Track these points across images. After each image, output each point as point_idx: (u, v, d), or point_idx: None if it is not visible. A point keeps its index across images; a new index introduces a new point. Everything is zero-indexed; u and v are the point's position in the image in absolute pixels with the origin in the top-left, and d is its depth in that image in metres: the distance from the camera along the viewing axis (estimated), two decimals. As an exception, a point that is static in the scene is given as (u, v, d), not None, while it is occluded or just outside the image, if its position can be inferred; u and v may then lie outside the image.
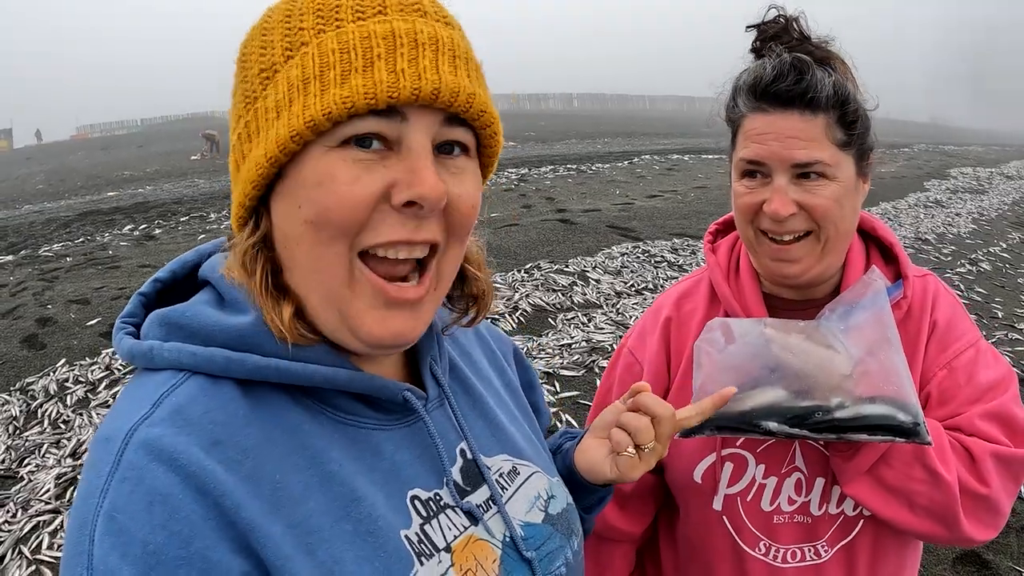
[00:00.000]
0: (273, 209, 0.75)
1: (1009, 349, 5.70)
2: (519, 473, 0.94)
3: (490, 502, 0.87)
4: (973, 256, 8.88)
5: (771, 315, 1.30)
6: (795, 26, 1.22)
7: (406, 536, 0.77)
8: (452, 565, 0.79)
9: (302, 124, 0.68)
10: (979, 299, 7.11)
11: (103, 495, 0.65)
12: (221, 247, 0.86)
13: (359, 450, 0.78)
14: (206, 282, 0.82)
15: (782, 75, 1.16)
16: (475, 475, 0.88)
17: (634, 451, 0.97)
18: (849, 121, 1.19)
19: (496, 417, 0.97)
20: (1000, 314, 6.70)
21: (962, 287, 7.37)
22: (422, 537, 0.78)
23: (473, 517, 0.84)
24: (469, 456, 0.89)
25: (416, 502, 0.81)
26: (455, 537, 0.81)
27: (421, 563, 0.76)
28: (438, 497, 0.83)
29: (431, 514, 0.81)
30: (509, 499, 0.90)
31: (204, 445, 0.68)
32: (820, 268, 1.23)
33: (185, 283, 0.86)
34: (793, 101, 1.16)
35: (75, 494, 0.69)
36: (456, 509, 0.83)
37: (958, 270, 8.11)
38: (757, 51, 1.25)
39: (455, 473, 0.86)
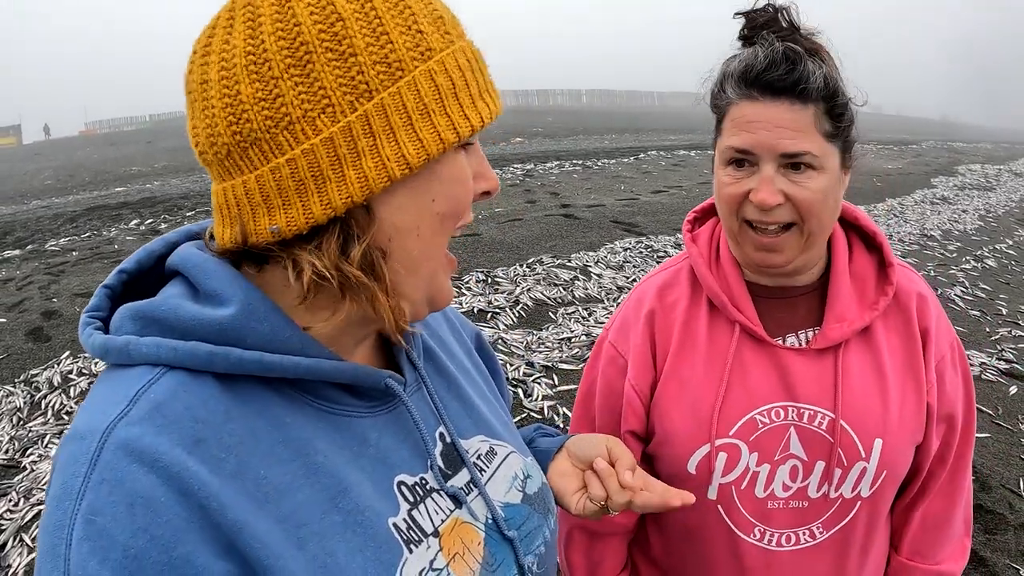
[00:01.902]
0: (383, 207, 0.74)
1: (1013, 346, 5.68)
2: (496, 454, 0.95)
3: (471, 484, 0.88)
4: (979, 253, 8.83)
5: (754, 302, 1.31)
6: (785, 15, 1.22)
7: (394, 524, 0.77)
8: (440, 550, 0.79)
9: (466, 129, 0.75)
10: (983, 296, 7.07)
11: (80, 497, 0.62)
12: (188, 235, 0.84)
13: (344, 438, 0.78)
14: (175, 273, 0.79)
15: (774, 63, 1.16)
16: (455, 458, 0.89)
17: (603, 504, 1.00)
18: (837, 113, 1.19)
19: (470, 398, 0.98)
20: (1004, 311, 6.67)
21: (967, 284, 7.34)
22: (410, 524, 0.79)
23: (457, 500, 0.85)
24: (448, 439, 0.89)
25: (403, 487, 0.81)
26: (442, 521, 0.82)
27: (410, 550, 0.77)
28: (423, 481, 0.83)
29: (418, 499, 0.81)
30: (488, 480, 0.91)
31: (186, 444, 0.66)
32: (803, 259, 1.25)
33: (150, 275, 0.83)
34: (784, 91, 1.16)
35: (47, 495, 0.67)
36: (441, 493, 0.84)
37: (963, 266, 8.06)
38: (746, 39, 1.25)
39: (437, 456, 0.87)
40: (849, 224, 1.36)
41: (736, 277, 1.32)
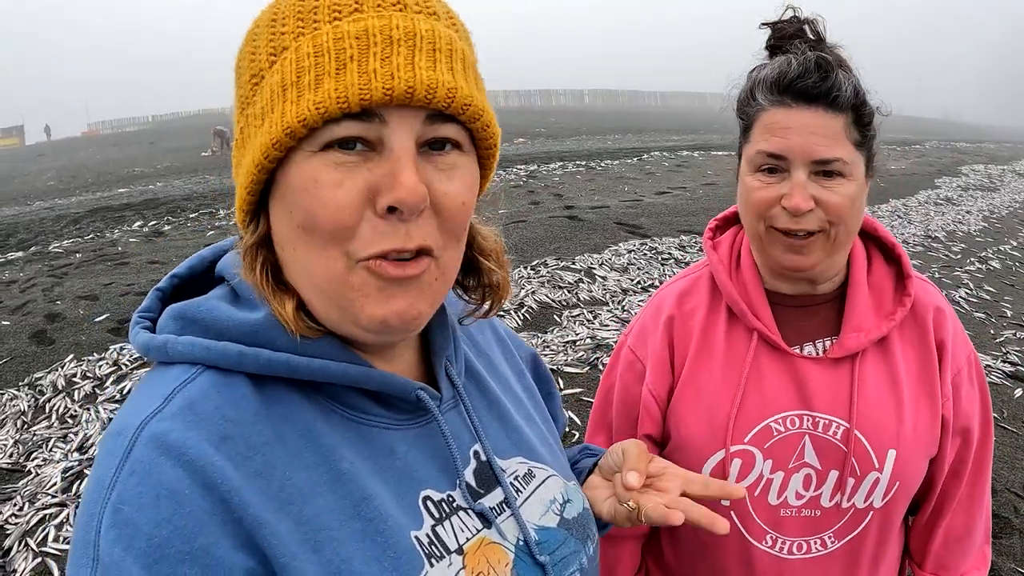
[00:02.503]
0: (271, 212, 0.75)
1: (1018, 348, 5.66)
2: (534, 476, 0.93)
3: (504, 505, 0.86)
4: (983, 254, 8.81)
5: (773, 310, 1.32)
6: (811, 27, 1.25)
7: (416, 537, 0.76)
8: (463, 567, 0.78)
9: (280, 131, 0.68)
10: (988, 298, 7.06)
11: (111, 488, 0.65)
12: (234, 244, 0.85)
13: (371, 449, 0.78)
14: (223, 278, 0.82)
15: (808, 71, 1.18)
16: (489, 477, 0.87)
17: (630, 506, 0.92)
18: (865, 123, 1.22)
19: (512, 419, 0.96)
20: (1009, 313, 6.66)
21: (971, 285, 7.32)
22: (433, 539, 0.78)
23: (486, 520, 0.83)
24: (483, 458, 0.87)
25: (428, 503, 0.80)
26: (467, 539, 0.80)
27: (431, 564, 0.76)
28: (451, 499, 0.82)
29: (443, 515, 0.80)
30: (524, 502, 0.89)
31: (214, 440, 0.68)
32: (827, 263, 1.26)
33: (202, 279, 0.86)
34: (818, 98, 1.18)
35: (84, 487, 0.70)
36: (469, 511, 0.82)
37: (967, 268, 8.05)
38: (773, 49, 1.27)
39: (468, 475, 0.85)
40: (868, 235, 1.37)
41: (755, 285, 1.33)
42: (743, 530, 1.30)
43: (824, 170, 1.19)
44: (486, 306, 0.90)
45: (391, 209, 0.68)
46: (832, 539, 1.28)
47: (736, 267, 1.37)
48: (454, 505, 0.81)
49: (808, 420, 1.27)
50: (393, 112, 0.68)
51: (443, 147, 0.72)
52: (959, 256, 8.59)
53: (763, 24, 1.28)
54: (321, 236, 0.69)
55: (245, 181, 0.73)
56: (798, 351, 1.30)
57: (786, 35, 1.25)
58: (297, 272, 0.74)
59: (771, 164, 1.22)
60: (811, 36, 1.24)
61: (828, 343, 1.31)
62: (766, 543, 1.29)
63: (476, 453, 0.87)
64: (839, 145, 1.18)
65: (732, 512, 1.30)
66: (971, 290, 7.17)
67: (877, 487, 1.25)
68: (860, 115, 1.20)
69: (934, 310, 1.32)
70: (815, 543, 1.29)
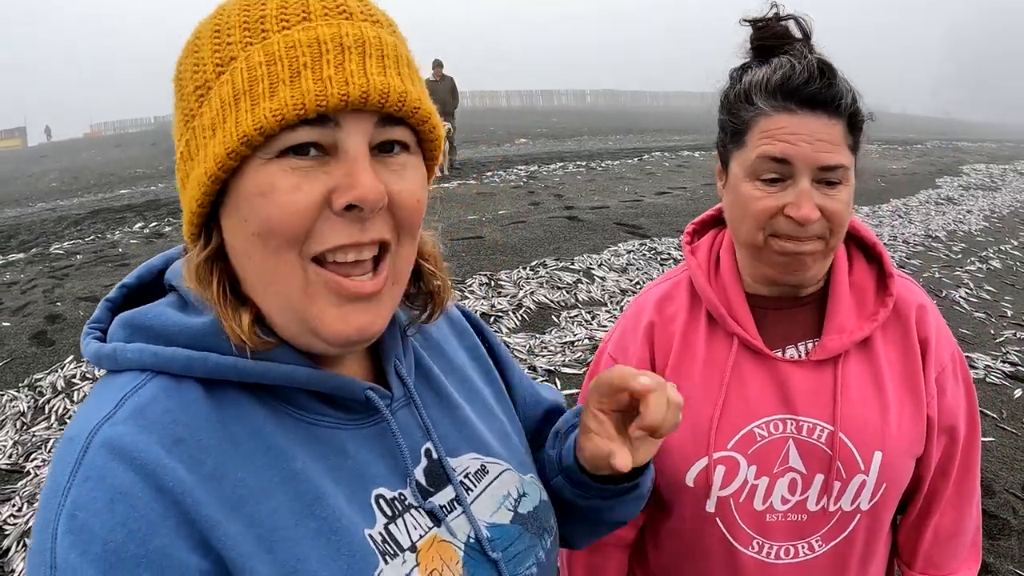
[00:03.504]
0: (223, 224, 0.76)
1: (1018, 348, 5.65)
2: (487, 472, 0.94)
3: (455, 502, 0.87)
4: (983, 254, 8.79)
5: (753, 313, 1.31)
6: (798, 26, 1.22)
7: (370, 535, 0.77)
8: (417, 565, 0.79)
9: (236, 140, 0.69)
10: (988, 297, 7.05)
11: (65, 494, 0.66)
12: (181, 254, 0.86)
13: (323, 449, 0.79)
14: (172, 287, 0.83)
15: (813, 77, 1.16)
16: (440, 475, 0.88)
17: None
18: (858, 128, 1.20)
19: (464, 414, 0.96)
20: (1009, 312, 6.65)
21: (972, 285, 7.31)
22: (386, 536, 0.79)
23: (436, 518, 0.84)
24: (435, 456, 0.89)
25: (381, 501, 0.81)
26: (420, 537, 0.82)
27: (386, 562, 0.77)
28: (402, 497, 0.83)
29: (396, 513, 0.81)
30: (475, 499, 0.90)
31: (165, 444, 0.69)
32: (817, 269, 1.25)
33: (151, 288, 0.87)
34: (823, 104, 1.16)
35: (40, 495, 0.71)
36: (420, 509, 0.84)
37: (968, 268, 8.04)
38: (760, 49, 1.23)
39: (419, 473, 0.86)
40: (849, 235, 1.35)
41: (735, 289, 1.31)
42: (729, 536, 1.29)
43: (827, 178, 1.17)
44: (428, 311, 0.93)
45: (349, 207, 0.70)
46: (819, 543, 1.28)
47: (715, 271, 1.35)
48: (406, 503, 0.83)
49: (792, 424, 1.26)
50: (348, 116, 0.71)
51: (392, 149, 0.75)
52: (959, 256, 8.58)
53: (744, 20, 1.24)
54: (277, 241, 0.71)
55: (196, 194, 0.73)
56: (780, 354, 1.29)
57: (773, 34, 1.21)
58: (255, 283, 0.75)
59: (775, 170, 1.18)
60: (798, 35, 1.21)
61: (810, 345, 1.29)
62: (752, 548, 1.28)
63: (428, 451, 0.88)
64: (841, 151, 1.17)
65: (717, 518, 1.29)
66: (971, 290, 7.16)
67: (864, 489, 1.24)
68: (855, 120, 1.19)
69: (916, 308, 1.31)
70: (802, 547, 1.28)
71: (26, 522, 3.42)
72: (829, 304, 1.29)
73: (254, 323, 0.75)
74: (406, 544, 0.80)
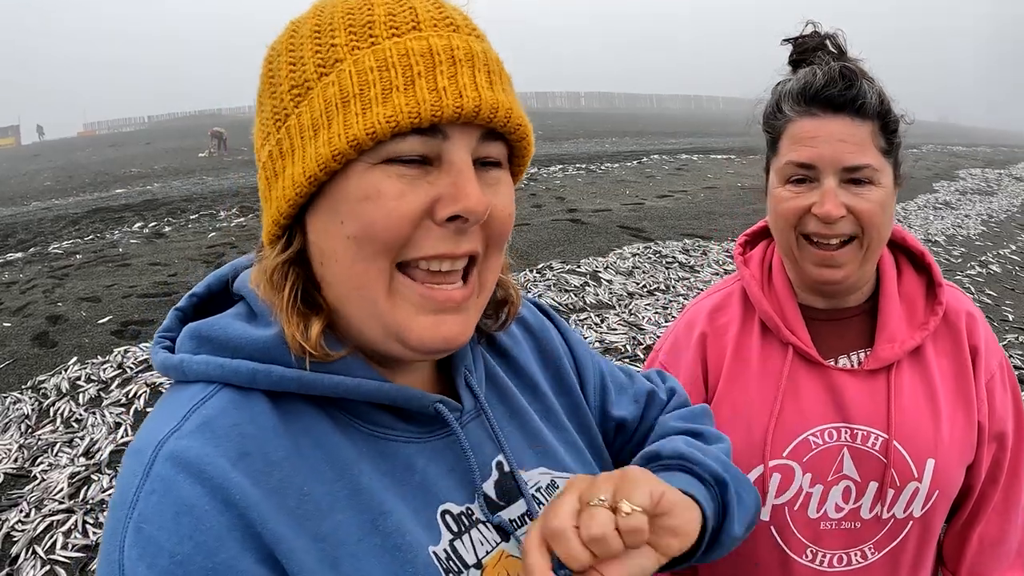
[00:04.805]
0: (309, 226, 0.75)
1: (1021, 352, 5.68)
2: (557, 487, 0.91)
3: (526, 517, 0.85)
4: (983, 258, 8.85)
5: (806, 324, 1.32)
6: (832, 42, 1.27)
7: (434, 552, 0.76)
8: None
9: (344, 143, 0.68)
10: (989, 302, 7.08)
11: (132, 506, 0.65)
12: (255, 261, 0.85)
13: (389, 464, 0.78)
14: (240, 296, 0.82)
15: (833, 81, 1.20)
16: (512, 489, 0.86)
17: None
18: (891, 131, 1.23)
19: (536, 427, 0.95)
20: (1011, 317, 6.68)
21: (972, 290, 7.35)
22: (451, 554, 0.77)
23: (505, 532, 0.83)
24: (506, 469, 0.87)
25: (447, 516, 0.79)
26: (487, 553, 0.80)
27: None
28: (470, 512, 0.81)
29: (462, 529, 0.80)
30: None
31: (231, 457, 0.68)
32: (859, 274, 1.26)
33: (221, 297, 0.86)
34: (844, 106, 1.20)
35: (109, 504, 0.71)
36: (487, 524, 0.82)
37: (968, 272, 8.09)
38: (796, 63, 1.29)
39: (489, 487, 0.84)
40: (896, 245, 1.38)
41: (789, 299, 1.33)
42: (783, 545, 1.29)
43: (853, 177, 1.20)
44: (500, 319, 0.93)
45: (452, 218, 0.71)
46: (872, 550, 1.28)
47: (768, 281, 1.37)
48: (473, 518, 0.81)
49: (846, 432, 1.27)
50: (456, 128, 0.71)
51: (489, 164, 0.76)
52: (959, 260, 8.63)
53: (785, 40, 1.30)
54: (375, 247, 0.70)
55: (289, 193, 0.72)
56: (833, 364, 1.31)
57: (808, 48, 1.27)
58: (340, 288, 0.74)
59: (800, 174, 1.23)
60: (832, 49, 1.27)
61: (862, 355, 1.31)
62: (806, 557, 1.29)
63: (499, 464, 0.87)
64: (867, 152, 1.19)
65: (772, 527, 1.29)
66: (973, 295, 7.20)
67: (917, 497, 1.25)
68: (886, 123, 1.22)
69: (966, 316, 1.33)
70: (855, 555, 1.28)
71: (34, 528, 3.38)
72: (880, 314, 1.30)
73: (321, 333, 0.74)
74: (471, 561, 0.78)
